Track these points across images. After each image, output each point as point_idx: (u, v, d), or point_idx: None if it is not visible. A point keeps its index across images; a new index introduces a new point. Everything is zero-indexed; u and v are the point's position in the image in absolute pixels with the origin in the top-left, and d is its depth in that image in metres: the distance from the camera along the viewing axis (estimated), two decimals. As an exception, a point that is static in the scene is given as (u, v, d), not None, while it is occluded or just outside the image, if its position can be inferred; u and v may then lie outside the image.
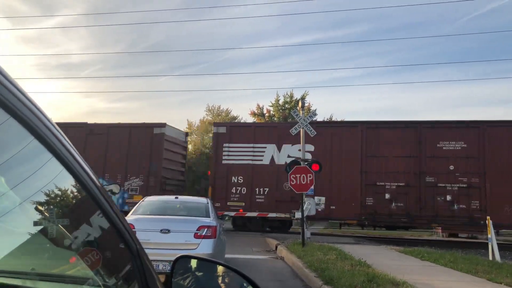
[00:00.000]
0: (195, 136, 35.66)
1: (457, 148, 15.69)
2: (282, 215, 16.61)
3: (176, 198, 8.42)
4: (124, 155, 17.88)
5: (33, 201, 0.88)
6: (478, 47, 47.73)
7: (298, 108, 13.13)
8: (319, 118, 31.65)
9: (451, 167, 15.55)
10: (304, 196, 11.74)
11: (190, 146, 30.18)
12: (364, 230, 20.91)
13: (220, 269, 1.70)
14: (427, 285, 6.60)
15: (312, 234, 14.04)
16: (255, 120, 33.56)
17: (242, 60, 53.22)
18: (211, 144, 34.03)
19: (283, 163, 16.05)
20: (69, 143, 0.96)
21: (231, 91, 53.92)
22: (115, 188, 17.76)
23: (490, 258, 10.48)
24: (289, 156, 16.50)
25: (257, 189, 16.87)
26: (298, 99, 30.52)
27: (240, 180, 17.00)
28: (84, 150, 17.77)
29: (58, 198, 0.98)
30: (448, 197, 15.42)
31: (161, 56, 57.60)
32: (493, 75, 47.76)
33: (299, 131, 12.23)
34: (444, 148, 15.78)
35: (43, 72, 51.14)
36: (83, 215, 1.08)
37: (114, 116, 68.98)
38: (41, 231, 0.91)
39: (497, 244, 10.81)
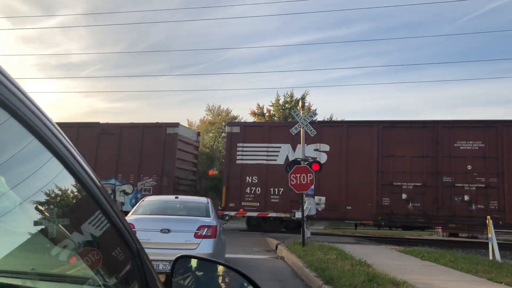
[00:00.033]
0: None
1: (475, 147, 15.53)
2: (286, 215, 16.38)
3: (176, 198, 8.44)
4: (137, 155, 17.72)
5: (33, 201, 0.88)
6: (478, 47, 47.78)
7: (298, 107, 13.13)
8: (319, 118, 31.66)
9: (469, 167, 15.39)
10: (304, 196, 11.74)
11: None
12: (364, 230, 20.91)
13: (220, 268, 1.70)
14: (427, 285, 6.60)
15: (312, 233, 14.05)
16: (255, 119, 33.56)
17: (242, 60, 53.24)
18: (211, 144, 34.33)
19: None
20: (69, 143, 0.95)
21: (231, 91, 53.90)
22: (128, 188, 17.63)
23: (491, 257, 10.48)
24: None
25: (271, 189, 16.74)
26: (298, 98, 30.50)
27: (255, 180, 16.81)
28: (96, 150, 17.73)
29: (58, 198, 0.98)
30: (466, 197, 15.26)
31: (161, 56, 57.59)
32: (493, 74, 47.79)
33: (299, 130, 12.22)
34: (461, 147, 15.62)
35: (43, 72, 51.19)
36: (83, 215, 1.08)
37: (114, 116, 69.13)
38: (41, 231, 0.91)
39: (498, 243, 10.82)
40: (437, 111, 51.57)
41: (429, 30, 46.28)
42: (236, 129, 17.71)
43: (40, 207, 0.91)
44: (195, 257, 1.69)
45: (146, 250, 1.22)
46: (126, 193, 17.50)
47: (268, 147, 17.03)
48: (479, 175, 15.31)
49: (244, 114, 49.12)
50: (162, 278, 5.42)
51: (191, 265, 1.66)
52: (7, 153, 0.80)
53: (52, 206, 0.96)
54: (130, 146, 17.84)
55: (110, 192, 17.61)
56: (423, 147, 15.89)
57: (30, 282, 0.90)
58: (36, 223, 0.90)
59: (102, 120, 23.30)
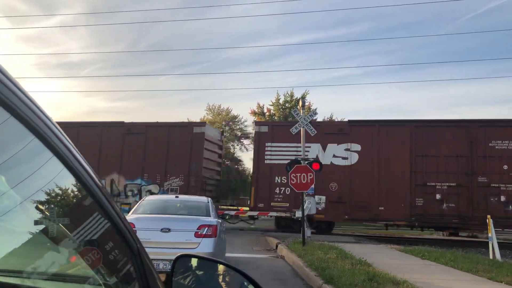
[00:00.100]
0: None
1: (510, 147, 15.37)
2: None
3: (177, 197, 8.46)
4: (163, 154, 17.52)
5: (33, 200, 0.88)
6: (479, 46, 47.71)
7: (298, 107, 13.14)
8: (319, 117, 31.69)
9: (505, 167, 15.16)
10: (304, 195, 11.75)
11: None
12: (364, 230, 20.92)
13: (220, 268, 1.70)
14: (427, 284, 6.60)
15: (312, 233, 14.05)
16: (255, 119, 33.57)
17: (242, 59, 53.18)
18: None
19: (329, 163, 15.89)
20: (69, 142, 0.96)
21: (232, 90, 53.84)
22: (154, 188, 17.46)
23: (491, 257, 10.48)
24: (334, 156, 16.24)
25: None
26: (298, 98, 30.51)
27: (284, 181, 16.27)
28: (121, 150, 17.65)
29: (59, 197, 0.98)
30: (502, 198, 15.03)
31: (161, 55, 57.58)
32: (493, 74, 47.74)
33: (299, 130, 12.23)
34: (496, 147, 15.41)
35: (43, 71, 51.23)
36: (84, 214, 1.08)
37: (114, 116, 69.01)
38: (41, 230, 0.91)
39: (498, 243, 10.82)
40: (437, 111, 51.54)
41: (429, 29, 46.25)
42: (264, 129, 17.53)
43: (40, 206, 0.91)
44: (195, 256, 1.69)
45: (147, 249, 1.22)
46: (152, 193, 17.18)
47: (297, 146, 16.44)
48: None
49: (245, 113, 49.22)
50: (163, 277, 5.42)
51: (192, 264, 1.66)
52: (7, 152, 0.80)
53: (52, 206, 0.96)
54: (156, 145, 17.64)
55: (136, 192, 17.52)
56: (457, 147, 15.64)
57: (30, 281, 0.90)
58: (36, 223, 0.90)
59: (102, 120, 23.27)
